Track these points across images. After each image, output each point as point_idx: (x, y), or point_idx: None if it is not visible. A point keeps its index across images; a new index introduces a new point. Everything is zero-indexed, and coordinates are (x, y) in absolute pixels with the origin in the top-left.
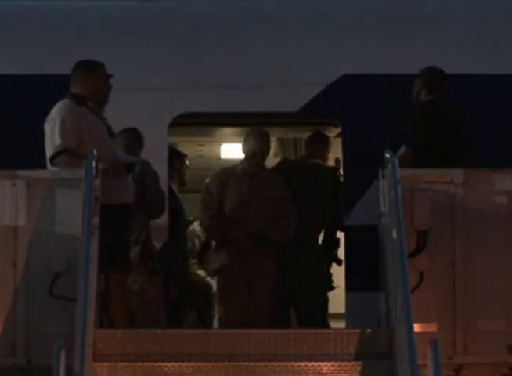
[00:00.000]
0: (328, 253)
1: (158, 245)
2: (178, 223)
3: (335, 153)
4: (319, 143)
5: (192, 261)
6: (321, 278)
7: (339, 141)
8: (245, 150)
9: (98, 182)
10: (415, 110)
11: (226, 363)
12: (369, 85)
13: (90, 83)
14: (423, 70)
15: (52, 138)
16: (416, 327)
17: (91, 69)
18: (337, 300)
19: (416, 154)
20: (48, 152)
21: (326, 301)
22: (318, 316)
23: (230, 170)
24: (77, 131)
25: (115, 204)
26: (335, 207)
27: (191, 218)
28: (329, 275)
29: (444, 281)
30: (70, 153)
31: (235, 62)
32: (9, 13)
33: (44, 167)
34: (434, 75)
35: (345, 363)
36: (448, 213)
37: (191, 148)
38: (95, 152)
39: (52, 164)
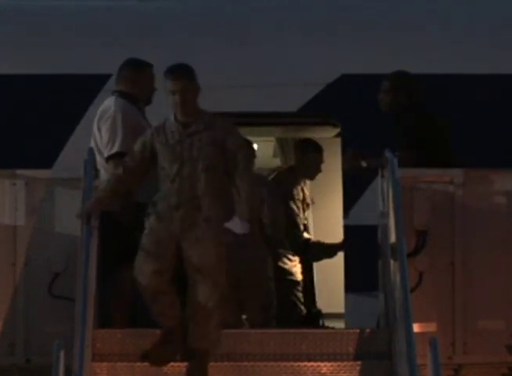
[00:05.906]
0: None
1: None
2: None
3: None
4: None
5: None
6: None
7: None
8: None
9: (97, 181)
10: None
11: (225, 363)
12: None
13: (138, 83)
14: (399, 73)
15: (112, 135)
16: (416, 327)
17: (141, 69)
18: (336, 300)
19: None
20: (106, 150)
21: None
22: None
23: None
24: (135, 131)
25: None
26: None
27: None
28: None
29: (443, 281)
30: (122, 160)
31: (234, 62)
32: None
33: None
34: (408, 78)
35: (344, 363)
36: (447, 213)
37: None
38: (93, 151)
39: (106, 162)
